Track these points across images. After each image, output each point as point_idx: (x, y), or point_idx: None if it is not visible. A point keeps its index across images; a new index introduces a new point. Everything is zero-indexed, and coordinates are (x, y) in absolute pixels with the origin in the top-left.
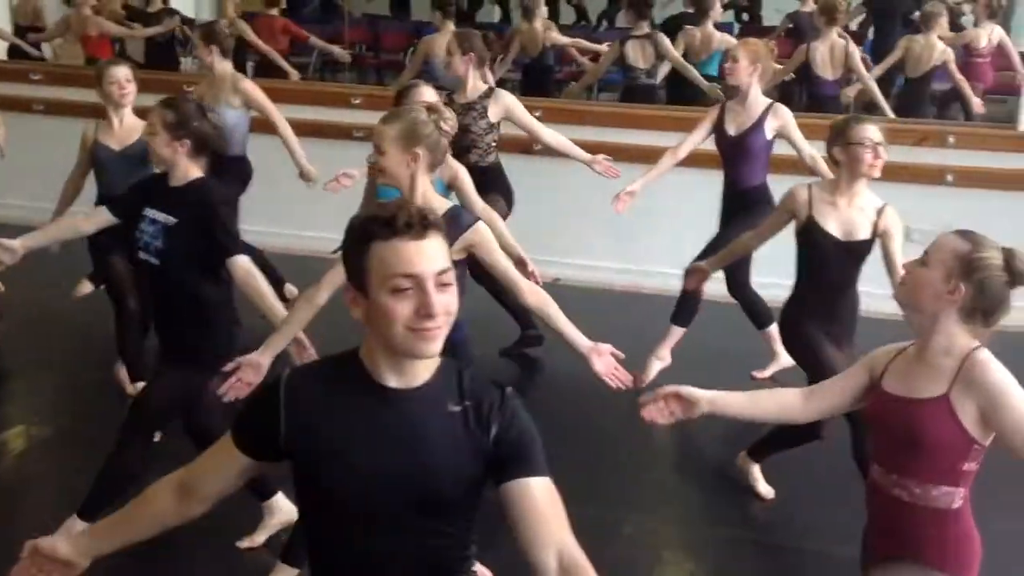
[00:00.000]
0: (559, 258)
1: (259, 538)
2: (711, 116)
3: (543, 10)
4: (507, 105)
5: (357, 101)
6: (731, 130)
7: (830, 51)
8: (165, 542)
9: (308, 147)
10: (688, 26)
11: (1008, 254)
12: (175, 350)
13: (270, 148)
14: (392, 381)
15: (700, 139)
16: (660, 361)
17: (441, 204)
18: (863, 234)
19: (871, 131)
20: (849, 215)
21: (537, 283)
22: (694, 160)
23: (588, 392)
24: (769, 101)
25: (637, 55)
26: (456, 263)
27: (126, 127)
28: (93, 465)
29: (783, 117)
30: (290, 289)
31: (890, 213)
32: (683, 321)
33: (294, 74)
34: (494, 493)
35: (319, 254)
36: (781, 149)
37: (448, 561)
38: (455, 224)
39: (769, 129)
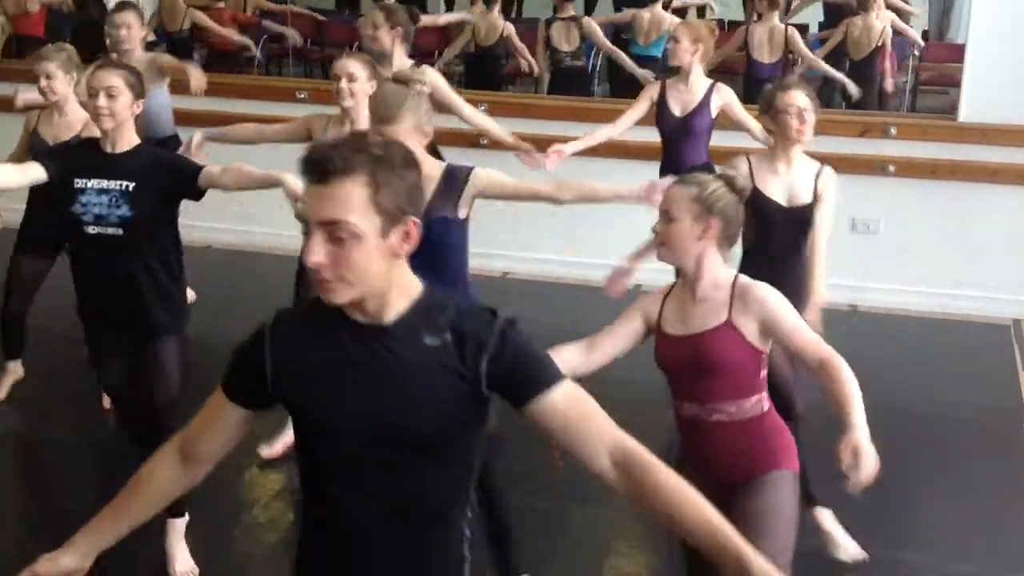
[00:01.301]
0: (508, 252)
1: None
2: (650, 93)
3: None
4: (433, 82)
5: (303, 95)
6: (676, 110)
7: (769, 34)
8: None
9: None
10: (641, 8)
11: (726, 178)
12: (144, 325)
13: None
14: (359, 317)
15: (639, 115)
16: None
17: (432, 166)
18: (805, 198)
19: (797, 97)
20: (791, 180)
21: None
22: (640, 152)
23: None
24: (711, 80)
25: (561, 37)
26: (459, 222)
27: (66, 122)
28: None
29: (727, 96)
30: None
31: (826, 176)
32: None
33: (252, 47)
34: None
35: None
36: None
37: (444, 507)
38: (452, 182)
39: (715, 107)
